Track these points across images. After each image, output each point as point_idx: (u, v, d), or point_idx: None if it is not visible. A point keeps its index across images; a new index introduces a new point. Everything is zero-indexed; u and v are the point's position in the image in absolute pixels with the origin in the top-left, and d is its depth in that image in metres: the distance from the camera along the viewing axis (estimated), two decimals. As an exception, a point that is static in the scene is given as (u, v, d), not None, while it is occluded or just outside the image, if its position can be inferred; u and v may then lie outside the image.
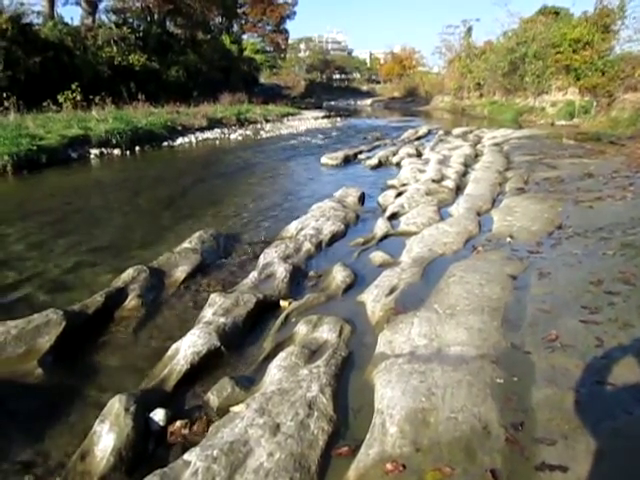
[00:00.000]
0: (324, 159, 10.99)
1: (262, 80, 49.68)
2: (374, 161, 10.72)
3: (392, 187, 7.98)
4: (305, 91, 55.13)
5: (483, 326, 2.96)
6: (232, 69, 33.00)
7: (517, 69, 27.39)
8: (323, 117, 27.84)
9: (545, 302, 3.27)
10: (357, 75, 79.38)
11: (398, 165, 10.54)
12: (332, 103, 50.14)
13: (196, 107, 20.83)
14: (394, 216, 6.10)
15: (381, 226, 5.51)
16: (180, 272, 4.15)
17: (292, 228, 5.49)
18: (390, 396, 2.39)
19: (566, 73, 23.58)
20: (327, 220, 5.60)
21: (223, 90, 26.21)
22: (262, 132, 18.65)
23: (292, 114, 27.59)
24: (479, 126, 20.14)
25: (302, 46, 73.31)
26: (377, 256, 4.55)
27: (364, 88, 69.74)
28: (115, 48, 22.64)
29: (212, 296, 3.57)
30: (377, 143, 14.70)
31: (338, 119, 26.92)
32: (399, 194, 7.18)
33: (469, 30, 38.64)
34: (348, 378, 2.70)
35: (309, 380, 2.54)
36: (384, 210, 6.46)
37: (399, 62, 64.16)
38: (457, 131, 17.62)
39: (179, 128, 16.45)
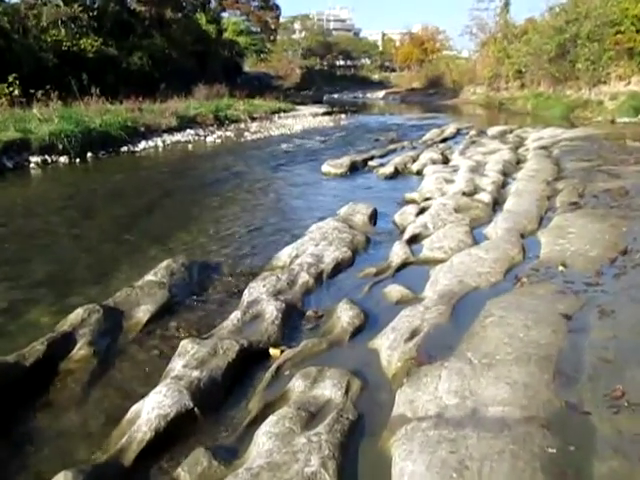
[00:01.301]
0: (325, 167, 11.14)
1: (247, 68, 50.61)
2: (389, 169, 10.85)
3: (412, 202, 8.08)
4: (301, 81, 56.41)
5: (530, 380, 2.96)
6: (209, 55, 33.60)
7: (567, 53, 27.86)
8: (324, 114, 28.39)
9: (608, 349, 3.26)
10: (366, 61, 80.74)
11: (419, 174, 10.68)
12: (335, 96, 50.95)
13: (164, 103, 21.14)
14: (415, 239, 6.14)
15: (398, 252, 5.53)
16: (142, 312, 4.17)
17: (285, 255, 5.52)
18: (411, 471, 2.37)
19: (629, 58, 23.95)
20: (329, 245, 5.62)
21: (198, 81, 26.65)
22: (247, 133, 18.99)
23: (285, 110, 28.18)
24: (521, 124, 20.40)
25: (297, 25, 74.59)
26: (394, 290, 4.57)
27: (375, 77, 71.13)
28: (63, 31, 23.06)
29: (183, 343, 3.58)
30: (392, 146, 14.88)
31: (343, 116, 27.45)
32: (421, 211, 7.27)
33: (506, 5, 39.51)
34: (357, 448, 2.68)
35: (307, 451, 2.51)
36: (402, 231, 6.52)
37: (419, 45, 65.42)
38: (493, 131, 17.88)
39: (142, 129, 16.73)
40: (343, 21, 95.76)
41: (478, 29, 42.66)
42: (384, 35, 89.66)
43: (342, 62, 77.76)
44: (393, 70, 75.36)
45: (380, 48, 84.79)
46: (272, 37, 52.03)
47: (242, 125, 21.96)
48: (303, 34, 74.00)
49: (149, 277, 4.79)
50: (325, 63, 73.13)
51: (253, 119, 23.97)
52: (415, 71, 62.18)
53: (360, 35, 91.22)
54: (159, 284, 4.63)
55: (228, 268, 5.39)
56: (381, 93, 54.50)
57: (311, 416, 2.86)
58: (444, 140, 16.49)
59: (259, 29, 49.05)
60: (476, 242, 5.82)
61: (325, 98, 46.86)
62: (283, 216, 7.69)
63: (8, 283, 4.99)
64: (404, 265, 5.33)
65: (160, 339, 3.92)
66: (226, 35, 41.71)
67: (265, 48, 53.14)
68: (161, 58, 27.74)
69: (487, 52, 39.70)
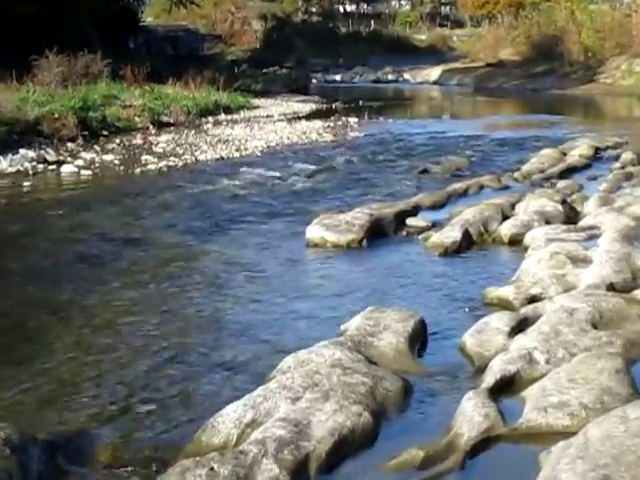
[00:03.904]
0: (315, 231, 7.96)
1: (149, 19, 34.55)
2: (451, 235, 7.82)
3: (501, 306, 6.14)
4: (264, 47, 36.41)
5: None
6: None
7: None
8: (311, 116, 19.84)
9: None
10: (402, 5, 51.73)
11: (516, 244, 7.93)
12: (336, 78, 35.71)
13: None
14: (507, 386, 4.58)
15: (473, 414, 4.07)
16: None
17: (228, 423, 4.01)
18: None
19: None
20: (323, 399, 4.19)
21: (45, 47, 17.13)
22: (148, 157, 12.93)
23: (229, 108, 19.33)
24: None
25: None
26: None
27: (421, 39, 46.23)
28: None
29: None
30: (457, 186, 10.72)
31: (352, 121, 19.37)
32: (521, 325, 5.57)
33: None
34: None
35: None
36: (480, 369, 4.86)
37: (512, -25, 39.71)
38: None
39: None
40: None
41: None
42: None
43: (351, 7, 48.87)
44: (458, 24, 48.16)
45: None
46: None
47: (138, 139, 14.81)
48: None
49: None
50: (314, 10, 45.21)
51: (162, 126, 16.29)
52: (505, 27, 39.15)
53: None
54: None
55: (105, 451, 3.81)
56: (434, 71, 36.22)
57: None
58: (567, 172, 12.48)
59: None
60: (637, 392, 4.16)
61: (314, 82, 32.19)
62: (224, 337, 5.54)
63: None
64: (485, 443, 3.76)
65: None
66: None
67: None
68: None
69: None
